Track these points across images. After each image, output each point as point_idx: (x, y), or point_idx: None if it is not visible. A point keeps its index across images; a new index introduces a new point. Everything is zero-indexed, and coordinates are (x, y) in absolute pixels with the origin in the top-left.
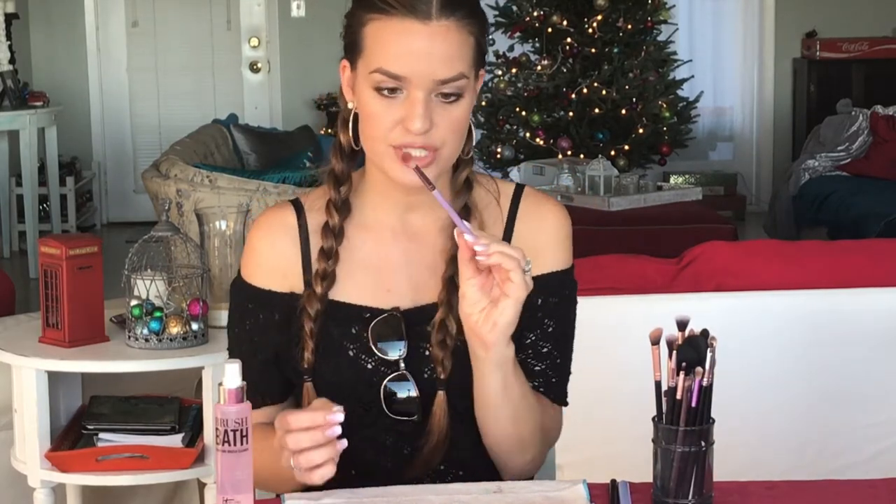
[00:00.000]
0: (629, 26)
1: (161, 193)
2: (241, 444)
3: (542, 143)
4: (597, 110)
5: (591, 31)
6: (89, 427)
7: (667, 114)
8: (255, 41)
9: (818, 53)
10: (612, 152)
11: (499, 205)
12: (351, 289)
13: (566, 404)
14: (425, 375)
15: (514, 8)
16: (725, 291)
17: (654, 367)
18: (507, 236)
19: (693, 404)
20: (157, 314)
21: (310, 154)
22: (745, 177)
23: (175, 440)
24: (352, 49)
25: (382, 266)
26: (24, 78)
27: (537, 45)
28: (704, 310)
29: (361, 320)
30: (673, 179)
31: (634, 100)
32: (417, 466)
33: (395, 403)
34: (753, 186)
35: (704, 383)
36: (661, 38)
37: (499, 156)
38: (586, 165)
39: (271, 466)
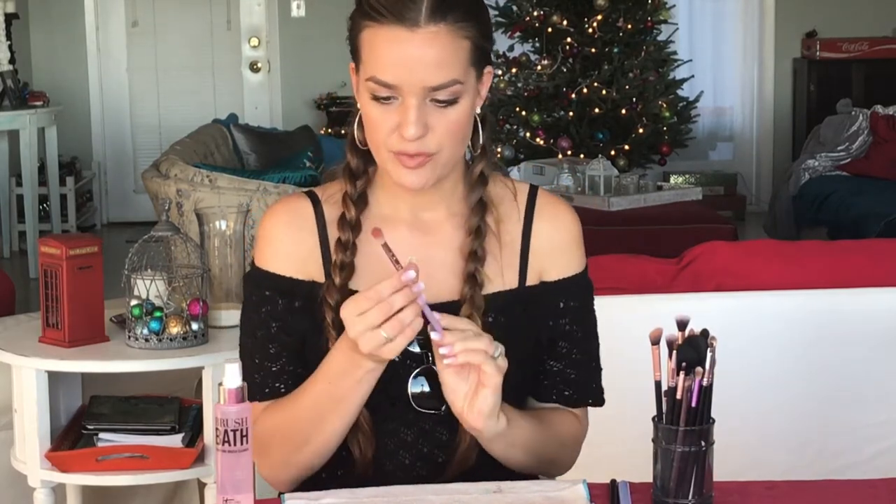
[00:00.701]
0: (629, 26)
1: (161, 193)
2: (241, 444)
3: (542, 143)
4: (597, 110)
5: (591, 31)
6: (89, 427)
7: (667, 114)
8: (255, 41)
9: (818, 53)
10: (612, 152)
11: (515, 201)
12: (371, 280)
13: (603, 403)
14: None
15: (514, 8)
16: (725, 291)
17: (654, 367)
18: (527, 234)
19: (693, 404)
20: (157, 314)
21: (310, 154)
22: (745, 177)
23: (175, 440)
24: (354, 54)
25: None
26: (24, 78)
27: (537, 45)
28: (704, 310)
29: None
30: (673, 179)
31: (634, 100)
32: (455, 465)
33: (420, 397)
34: (753, 186)
35: (704, 383)
36: (661, 38)
37: (499, 156)
38: (586, 165)
39: (316, 408)
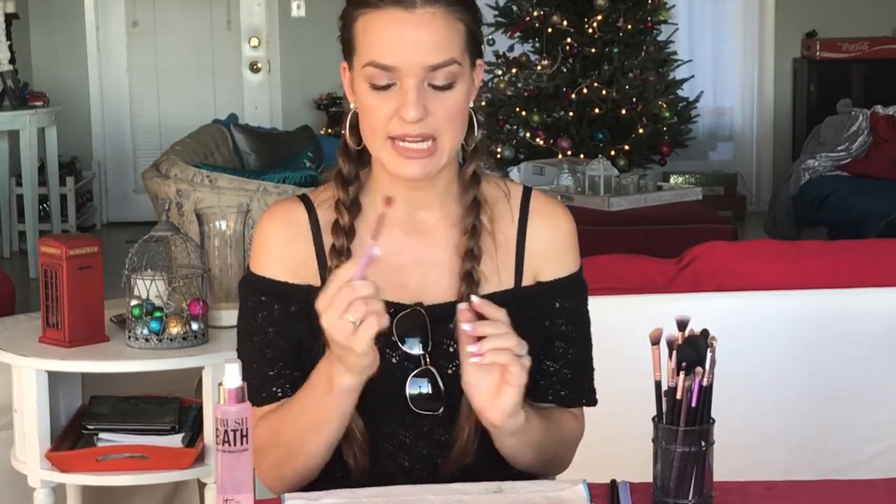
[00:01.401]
0: (629, 26)
1: (161, 193)
2: (241, 444)
3: (542, 143)
4: (597, 110)
5: (591, 31)
6: (89, 427)
7: (667, 114)
8: (255, 41)
9: (818, 53)
10: (612, 152)
11: (509, 203)
12: None
13: (596, 403)
14: (449, 371)
15: (514, 8)
16: (725, 291)
17: (654, 367)
18: (521, 234)
19: (693, 404)
20: (157, 314)
21: (310, 154)
22: (745, 177)
23: (175, 440)
24: (347, 49)
25: (395, 263)
26: (24, 78)
27: (537, 45)
28: (704, 310)
29: None
30: (673, 179)
31: (634, 100)
32: (451, 462)
33: (419, 399)
34: (753, 186)
35: (704, 383)
36: (661, 38)
37: (499, 156)
38: (586, 165)
39: (316, 411)
